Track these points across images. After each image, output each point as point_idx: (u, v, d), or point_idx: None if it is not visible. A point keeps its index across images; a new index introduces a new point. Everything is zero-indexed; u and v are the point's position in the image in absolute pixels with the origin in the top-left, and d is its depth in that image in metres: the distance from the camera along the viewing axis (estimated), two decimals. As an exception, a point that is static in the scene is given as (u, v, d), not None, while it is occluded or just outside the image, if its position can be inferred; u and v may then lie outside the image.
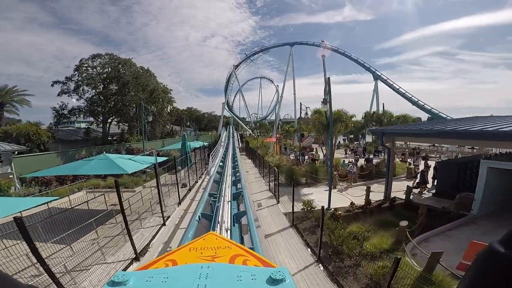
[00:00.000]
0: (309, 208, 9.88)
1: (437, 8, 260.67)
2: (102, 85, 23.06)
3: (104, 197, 11.52)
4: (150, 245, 7.63)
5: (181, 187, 14.27)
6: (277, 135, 36.53)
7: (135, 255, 6.86)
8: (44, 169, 14.35)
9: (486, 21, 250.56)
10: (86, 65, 23.74)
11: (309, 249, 7.45)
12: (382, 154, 29.24)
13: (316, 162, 18.84)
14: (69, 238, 6.83)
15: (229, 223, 5.28)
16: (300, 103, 19.71)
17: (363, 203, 11.01)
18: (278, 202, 11.47)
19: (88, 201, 9.62)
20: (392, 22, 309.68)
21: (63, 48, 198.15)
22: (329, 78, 9.97)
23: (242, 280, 1.10)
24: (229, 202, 6.81)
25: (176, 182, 11.16)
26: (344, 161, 17.37)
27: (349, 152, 31.46)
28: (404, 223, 7.36)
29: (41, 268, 4.80)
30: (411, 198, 11.27)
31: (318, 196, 12.82)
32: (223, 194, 7.59)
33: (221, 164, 20.31)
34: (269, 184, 14.12)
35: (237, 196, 8.03)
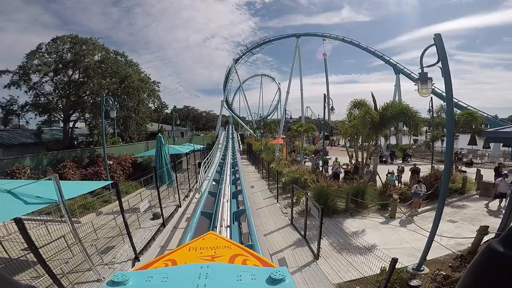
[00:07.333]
0: (396, 279, 4.81)
1: (434, 9, 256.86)
2: (54, 72, 17.76)
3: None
4: None
5: (151, 219, 9.09)
6: (283, 136, 31.59)
7: None
8: None
9: (483, 22, 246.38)
10: (44, 50, 18.56)
11: None
12: (410, 159, 24.35)
13: (349, 175, 13.78)
14: None
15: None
16: (324, 94, 14.62)
17: (467, 248, 6.29)
18: (316, 256, 6.30)
19: None
20: (389, 24, 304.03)
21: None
22: (439, 34, 4.92)
23: (242, 280, 1.07)
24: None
25: (125, 226, 5.89)
26: (389, 172, 12.21)
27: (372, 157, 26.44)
28: None
29: None
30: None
31: (375, 236, 7.72)
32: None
33: (218, 171, 15.47)
34: (291, 214, 8.92)
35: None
